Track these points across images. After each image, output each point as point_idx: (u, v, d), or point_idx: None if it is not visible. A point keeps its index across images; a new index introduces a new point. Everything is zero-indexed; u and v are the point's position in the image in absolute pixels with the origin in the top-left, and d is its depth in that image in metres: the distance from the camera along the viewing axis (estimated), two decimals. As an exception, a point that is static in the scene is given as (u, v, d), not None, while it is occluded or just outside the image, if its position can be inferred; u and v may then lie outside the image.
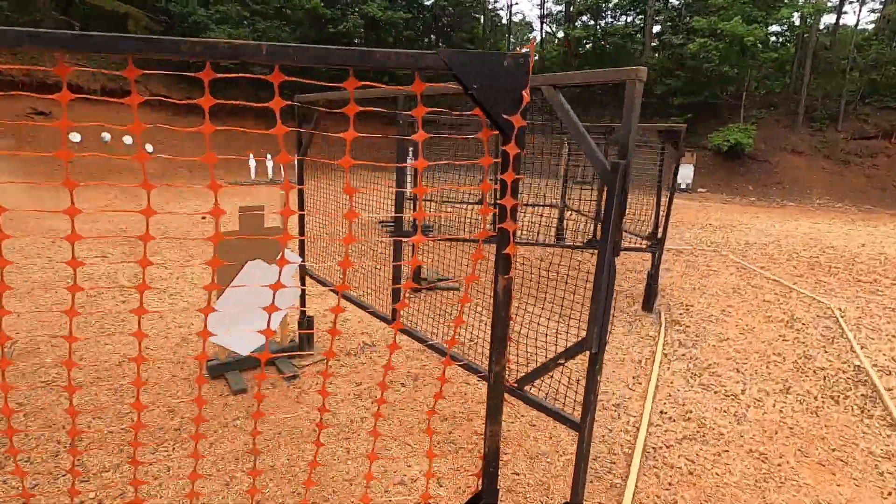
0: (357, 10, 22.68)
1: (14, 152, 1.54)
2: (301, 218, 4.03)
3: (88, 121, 16.67)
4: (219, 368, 3.76)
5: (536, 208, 8.40)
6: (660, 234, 5.60)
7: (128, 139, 16.32)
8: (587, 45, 29.53)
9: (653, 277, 5.55)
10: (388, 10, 23.02)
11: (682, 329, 5.07)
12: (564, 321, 3.58)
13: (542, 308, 4.24)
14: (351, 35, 23.70)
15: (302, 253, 4.12)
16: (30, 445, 2.87)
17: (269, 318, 4.04)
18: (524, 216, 7.31)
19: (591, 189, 6.72)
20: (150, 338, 4.35)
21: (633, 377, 4.02)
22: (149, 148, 16.60)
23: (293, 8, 21.57)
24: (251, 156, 14.87)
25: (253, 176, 16.23)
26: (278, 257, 3.94)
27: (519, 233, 6.51)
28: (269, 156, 15.77)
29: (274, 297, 3.91)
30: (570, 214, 8.43)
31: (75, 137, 15.39)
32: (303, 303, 4.19)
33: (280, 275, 3.81)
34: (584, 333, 2.12)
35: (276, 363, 3.98)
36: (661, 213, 5.70)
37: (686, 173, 18.87)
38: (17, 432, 1.94)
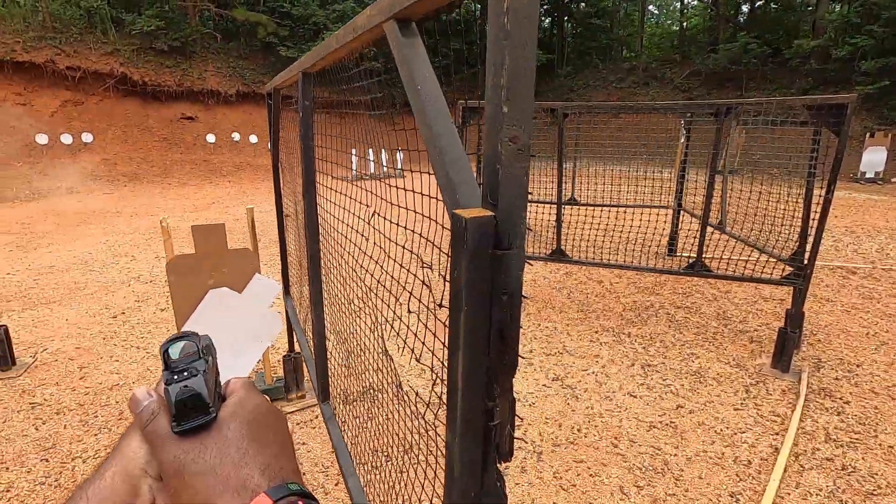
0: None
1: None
2: (281, 233, 3.32)
3: (225, 123, 18.48)
4: (188, 409, 3.24)
5: (640, 211, 6.75)
6: (807, 256, 3.81)
7: (253, 138, 17.69)
8: (743, 7, 24.81)
9: (793, 319, 3.82)
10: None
11: (836, 408, 3.34)
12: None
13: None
14: (468, 22, 22.95)
15: (285, 279, 3.42)
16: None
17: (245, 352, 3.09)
18: (617, 222, 5.81)
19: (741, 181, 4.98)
20: (158, 357, 4.05)
21: (733, 494, 2.58)
22: (252, 139, 17.82)
23: None
24: (353, 152, 15.00)
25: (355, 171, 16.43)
26: (250, 284, 3.31)
27: (597, 243, 5.12)
28: (370, 152, 15.79)
29: (250, 331, 3.26)
30: (685, 218, 6.62)
31: (211, 138, 17.10)
32: (289, 336, 3.50)
33: (249, 304, 3.09)
34: None
35: (256, 406, 3.35)
36: (811, 223, 3.87)
37: (874, 159, 14.46)
38: None
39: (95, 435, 3.06)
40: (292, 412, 3.35)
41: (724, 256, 4.49)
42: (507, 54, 0.51)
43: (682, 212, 6.64)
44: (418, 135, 0.80)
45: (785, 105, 4.24)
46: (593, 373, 3.81)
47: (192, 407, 0.42)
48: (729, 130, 4.87)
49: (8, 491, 2.59)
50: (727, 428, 3.11)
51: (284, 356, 3.44)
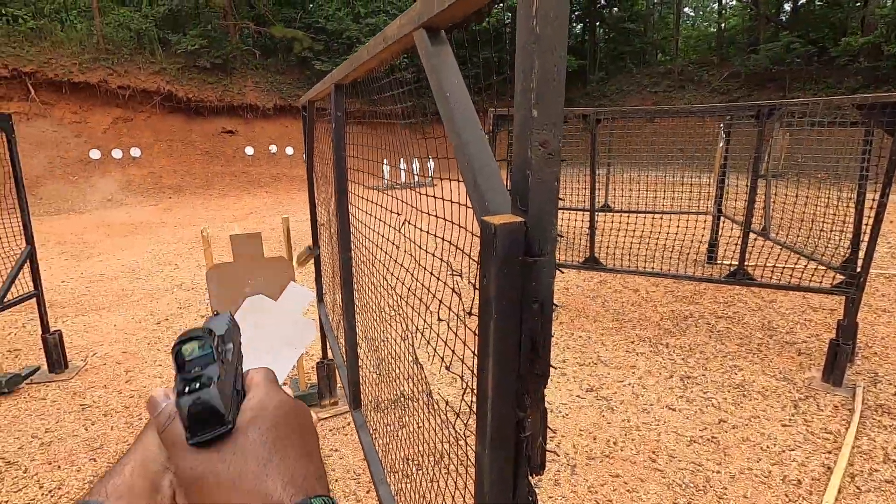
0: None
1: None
2: (315, 242, 3.39)
3: (263, 136, 19.09)
4: (226, 413, 3.32)
5: (680, 217, 6.56)
6: (860, 264, 3.60)
7: (289, 150, 18.20)
8: (785, 5, 23.92)
9: (846, 330, 3.60)
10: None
11: None
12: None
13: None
14: (500, 30, 23.00)
15: (319, 287, 3.48)
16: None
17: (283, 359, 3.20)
18: (657, 228, 5.65)
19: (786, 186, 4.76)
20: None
21: (781, 515, 2.44)
22: (289, 151, 18.30)
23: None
24: (385, 161, 15.23)
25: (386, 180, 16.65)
26: (285, 291, 3.38)
27: (639, 252, 4.99)
28: (401, 161, 15.98)
29: (284, 338, 3.34)
30: (726, 224, 6.39)
31: (250, 151, 17.70)
32: (323, 343, 3.55)
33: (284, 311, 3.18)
34: None
35: (291, 412, 3.41)
36: (864, 229, 3.66)
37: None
38: None
39: (139, 437, 3.18)
40: (325, 418, 3.39)
41: (768, 264, 4.30)
42: (537, 58, 0.50)
43: (722, 218, 6.41)
44: (448, 143, 0.80)
45: (833, 105, 4.04)
46: (629, 384, 3.70)
47: (206, 419, 0.39)
48: (772, 133, 4.67)
49: (59, 488, 2.72)
50: (774, 445, 2.95)
51: (318, 363, 3.49)
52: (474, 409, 0.71)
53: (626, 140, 8.07)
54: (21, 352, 4.45)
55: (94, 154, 15.10)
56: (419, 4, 0.81)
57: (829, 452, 2.87)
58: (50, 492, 2.69)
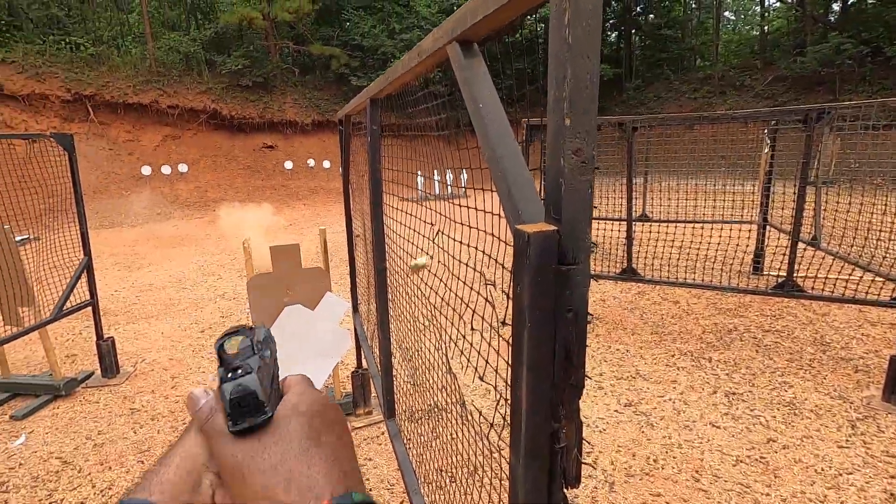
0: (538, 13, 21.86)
1: None
2: (351, 253, 3.45)
3: (301, 150, 19.69)
4: (264, 420, 3.41)
5: (723, 227, 6.33)
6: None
7: (326, 163, 18.69)
8: (834, 5, 22.88)
9: (908, 346, 3.37)
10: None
11: (967, 449, 2.88)
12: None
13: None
14: (532, 43, 23.06)
15: (354, 297, 3.53)
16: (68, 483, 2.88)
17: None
18: (700, 237, 5.46)
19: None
20: (238, 369, 4.31)
21: (839, 544, 2.28)
22: (326, 165, 18.73)
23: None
24: (419, 173, 15.41)
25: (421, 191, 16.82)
26: (322, 301, 3.45)
27: (680, 263, 4.84)
28: (435, 172, 16.14)
29: (321, 346, 3.40)
30: (772, 234, 6.13)
31: (289, 165, 18.28)
32: (358, 353, 3.59)
33: (321, 321, 3.23)
34: None
35: (326, 420, 3.46)
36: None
37: None
38: None
39: (183, 441, 3.29)
40: (360, 427, 3.42)
41: (819, 275, 4.08)
42: (569, 66, 0.51)
43: (768, 227, 6.14)
44: (481, 154, 0.80)
45: (889, 107, 3.82)
46: (670, 399, 3.57)
47: (246, 406, 0.41)
48: (821, 138, 4.46)
49: (110, 489, 2.85)
50: (829, 467, 2.77)
51: (353, 372, 3.54)
52: (508, 420, 0.70)
53: (665, 148, 7.88)
54: (77, 357, 4.71)
55: (146, 170, 15.95)
56: (453, 18, 0.83)
57: (893, 478, 2.67)
58: (101, 492, 2.82)
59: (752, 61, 23.62)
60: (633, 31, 27.59)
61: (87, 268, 4.08)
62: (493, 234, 0.95)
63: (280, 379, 0.50)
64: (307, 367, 3.32)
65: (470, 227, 1.07)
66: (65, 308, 3.86)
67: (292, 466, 0.39)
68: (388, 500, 2.69)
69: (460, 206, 1.18)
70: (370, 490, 2.77)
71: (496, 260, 0.96)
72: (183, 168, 16.74)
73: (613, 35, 28.33)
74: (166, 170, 16.33)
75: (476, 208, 1.05)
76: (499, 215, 0.84)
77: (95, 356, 4.39)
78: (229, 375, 0.42)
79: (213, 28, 19.68)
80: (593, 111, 0.53)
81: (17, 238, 3.79)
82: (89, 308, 4.15)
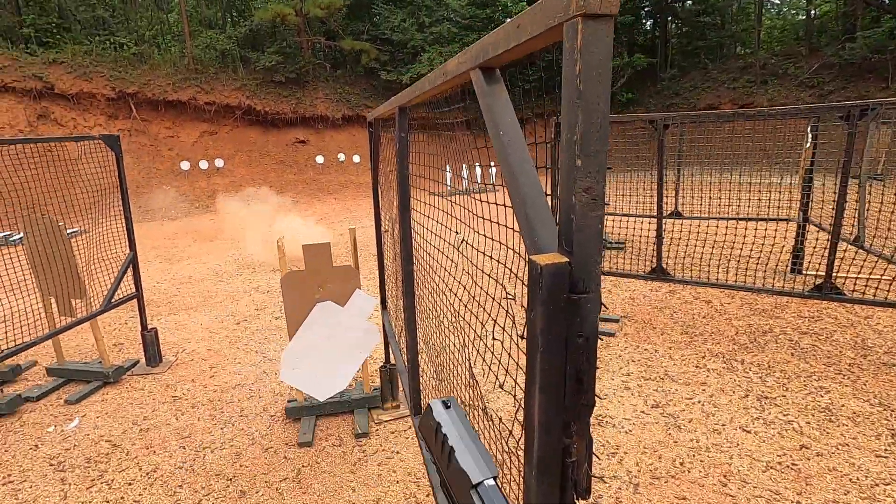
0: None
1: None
2: (380, 251, 3.53)
3: (332, 145, 20.00)
4: (296, 411, 3.55)
5: (758, 224, 6.15)
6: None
7: (356, 158, 18.93)
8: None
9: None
10: (600, -2, 21.08)
11: None
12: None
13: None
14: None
15: (382, 293, 3.62)
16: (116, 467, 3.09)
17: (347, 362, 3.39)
18: (734, 235, 5.31)
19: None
20: (272, 362, 4.49)
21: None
22: (356, 159, 18.96)
23: (503, 14, 21.80)
24: (447, 167, 15.43)
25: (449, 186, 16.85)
26: (351, 298, 3.55)
27: (713, 262, 4.74)
28: (464, 167, 16.13)
29: (350, 342, 3.50)
30: (812, 232, 5.90)
31: (320, 160, 18.61)
32: (386, 348, 3.69)
33: (350, 317, 3.33)
34: None
35: (355, 413, 3.58)
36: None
37: None
38: None
39: (221, 428, 3.47)
40: (387, 421, 3.51)
41: (862, 276, 3.92)
42: (581, 113, 0.54)
43: (808, 225, 5.92)
44: (501, 178, 0.84)
45: (941, 101, 3.62)
46: (699, 402, 3.53)
47: None
48: (866, 134, 4.26)
49: (154, 471, 3.04)
50: (866, 477, 2.70)
51: (381, 367, 3.63)
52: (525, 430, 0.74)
53: (698, 142, 7.66)
54: (123, 346, 4.99)
55: (184, 165, 16.54)
56: (476, 47, 0.87)
57: (934, 490, 2.58)
58: (147, 474, 3.02)
59: (796, 48, 22.53)
60: (670, 18, 26.69)
61: (133, 262, 4.31)
62: (513, 250, 0.99)
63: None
64: (337, 361, 3.44)
65: (492, 240, 1.11)
66: (113, 300, 4.10)
67: None
68: (414, 492, 2.78)
69: (488, 202, 1.22)
70: (397, 482, 2.86)
71: (516, 275, 1.00)
72: (219, 163, 17.28)
73: (648, 23, 27.49)
74: (204, 165, 16.89)
75: (499, 223, 1.09)
76: (518, 231, 0.88)
77: (140, 345, 4.65)
78: None
79: (248, 25, 20.11)
80: (603, 153, 0.56)
81: (68, 232, 4.03)
82: (134, 300, 4.39)
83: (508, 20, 0.70)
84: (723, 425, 3.24)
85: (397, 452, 3.16)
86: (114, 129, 16.65)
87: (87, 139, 3.96)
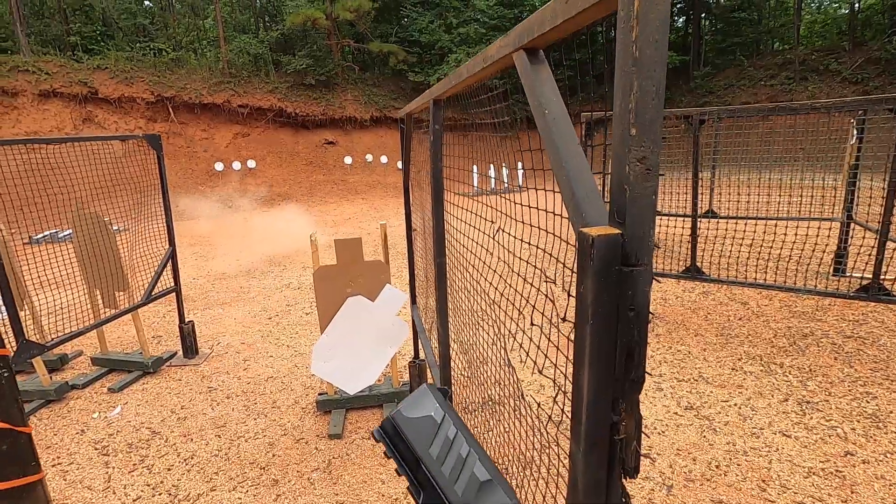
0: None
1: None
2: (410, 247, 3.55)
3: (360, 145, 20.26)
4: (327, 404, 3.61)
5: (799, 224, 5.94)
6: None
7: (384, 158, 19.12)
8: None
9: None
10: (631, -5, 20.72)
11: None
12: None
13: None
14: (592, 33, 22.36)
15: (412, 289, 3.64)
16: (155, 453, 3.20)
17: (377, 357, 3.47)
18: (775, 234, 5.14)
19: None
20: (303, 356, 4.58)
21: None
22: (383, 160, 19.12)
23: (531, 13, 21.71)
24: (475, 168, 15.41)
25: (476, 186, 16.85)
26: (381, 293, 3.58)
27: (750, 262, 4.60)
28: (492, 167, 16.08)
29: (380, 336, 3.54)
30: (857, 232, 5.65)
31: (348, 160, 18.87)
32: (415, 343, 3.71)
33: (380, 312, 3.37)
34: None
35: (384, 407, 3.61)
36: None
37: None
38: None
39: (255, 419, 3.55)
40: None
41: (912, 278, 3.74)
42: (636, 80, 0.54)
43: (852, 224, 5.66)
44: (543, 154, 0.84)
45: None
46: (735, 405, 3.42)
47: None
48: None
49: (192, 458, 3.14)
50: (919, 488, 2.56)
51: (410, 362, 3.66)
52: (567, 412, 0.74)
53: (735, 140, 7.44)
54: (161, 338, 5.17)
55: (218, 166, 17.04)
56: (519, 28, 0.87)
57: None
58: (185, 460, 3.11)
59: (838, 43, 21.63)
60: (703, 14, 26.01)
61: (172, 257, 4.46)
62: (556, 235, 0.98)
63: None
64: (367, 356, 3.48)
65: (531, 227, 1.10)
66: (153, 293, 4.26)
67: None
68: (443, 486, 2.78)
69: (521, 204, 1.22)
70: (426, 476, 2.87)
71: (556, 258, 0.99)
72: (251, 164, 17.73)
73: (681, 20, 26.83)
74: (236, 165, 17.36)
75: (538, 208, 1.09)
76: (559, 215, 0.88)
77: (177, 337, 4.80)
78: None
79: (280, 30, 20.58)
80: (658, 121, 0.55)
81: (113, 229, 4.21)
82: (173, 294, 4.54)
83: (557, -5, 0.69)
84: (761, 429, 3.13)
85: (426, 447, 3.17)
86: (153, 131, 17.30)
87: (130, 138, 4.13)
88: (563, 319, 0.86)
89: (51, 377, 4.26)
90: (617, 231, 0.58)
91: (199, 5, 23.55)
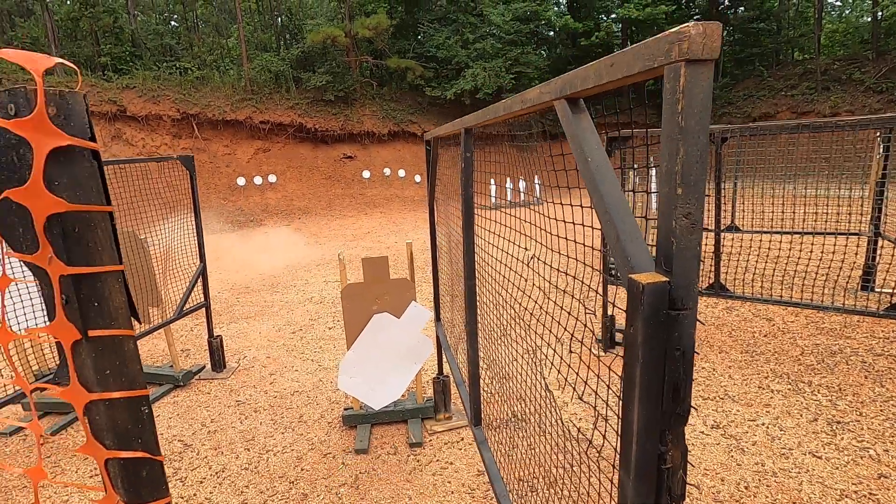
0: (612, 14, 21.35)
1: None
2: (434, 265, 3.62)
3: (378, 159, 20.54)
4: (353, 419, 3.67)
5: (825, 238, 5.86)
6: None
7: (402, 172, 19.35)
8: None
9: None
10: (646, 8, 20.84)
11: None
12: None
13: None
14: (607, 45, 22.48)
15: (437, 306, 3.71)
16: (186, 464, 3.29)
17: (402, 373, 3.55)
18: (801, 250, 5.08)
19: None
20: (327, 370, 4.66)
21: None
22: (401, 174, 19.33)
23: (547, 28, 21.94)
24: (493, 181, 15.51)
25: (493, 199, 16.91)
26: (407, 310, 3.65)
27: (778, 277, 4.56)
28: (507, 180, 16.15)
29: (404, 353, 3.60)
30: (886, 247, 5.56)
31: (366, 174, 19.15)
32: (439, 360, 3.76)
33: (405, 328, 3.44)
34: None
35: (409, 423, 3.66)
36: None
37: None
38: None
39: (282, 433, 3.63)
40: (440, 432, 3.57)
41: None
42: (682, 146, 0.60)
43: (880, 239, 5.57)
44: (592, 205, 0.90)
45: None
46: (763, 424, 3.38)
47: None
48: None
49: (223, 471, 3.22)
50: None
51: (434, 378, 3.71)
52: (607, 438, 0.79)
53: (757, 153, 7.39)
54: (190, 351, 5.31)
55: (241, 181, 17.44)
56: (561, 79, 0.94)
57: None
58: (216, 473, 3.20)
59: (861, 52, 21.33)
60: (721, 25, 25.90)
61: (202, 273, 4.61)
62: (591, 267, 1.04)
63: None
64: (392, 371, 3.54)
65: (568, 257, 1.16)
66: (184, 309, 4.40)
67: None
68: None
69: (555, 219, 1.28)
70: (451, 493, 2.91)
71: (590, 287, 1.05)
72: (272, 179, 18.11)
73: (698, 31, 26.71)
74: (258, 180, 17.75)
75: (575, 240, 1.15)
76: (592, 227, 0.93)
77: (206, 351, 4.93)
78: None
79: (300, 47, 21.11)
80: (702, 182, 0.61)
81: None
82: (201, 308, 4.68)
83: (602, 59, 0.76)
84: (790, 450, 3.10)
85: (451, 463, 3.21)
86: (178, 147, 17.82)
87: (166, 160, 4.31)
88: (606, 351, 0.91)
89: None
90: (665, 279, 0.64)
91: (222, 25, 24.34)
